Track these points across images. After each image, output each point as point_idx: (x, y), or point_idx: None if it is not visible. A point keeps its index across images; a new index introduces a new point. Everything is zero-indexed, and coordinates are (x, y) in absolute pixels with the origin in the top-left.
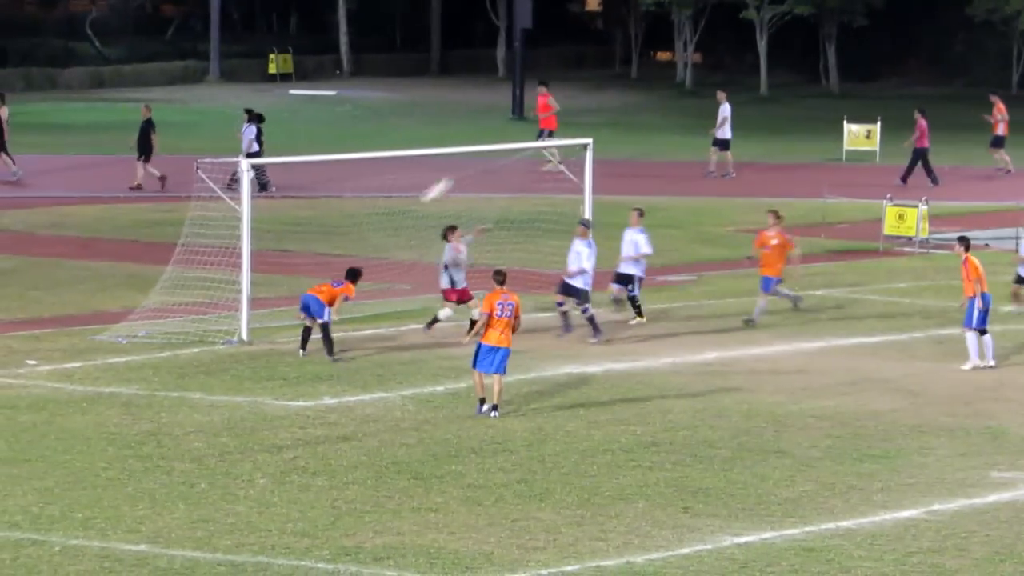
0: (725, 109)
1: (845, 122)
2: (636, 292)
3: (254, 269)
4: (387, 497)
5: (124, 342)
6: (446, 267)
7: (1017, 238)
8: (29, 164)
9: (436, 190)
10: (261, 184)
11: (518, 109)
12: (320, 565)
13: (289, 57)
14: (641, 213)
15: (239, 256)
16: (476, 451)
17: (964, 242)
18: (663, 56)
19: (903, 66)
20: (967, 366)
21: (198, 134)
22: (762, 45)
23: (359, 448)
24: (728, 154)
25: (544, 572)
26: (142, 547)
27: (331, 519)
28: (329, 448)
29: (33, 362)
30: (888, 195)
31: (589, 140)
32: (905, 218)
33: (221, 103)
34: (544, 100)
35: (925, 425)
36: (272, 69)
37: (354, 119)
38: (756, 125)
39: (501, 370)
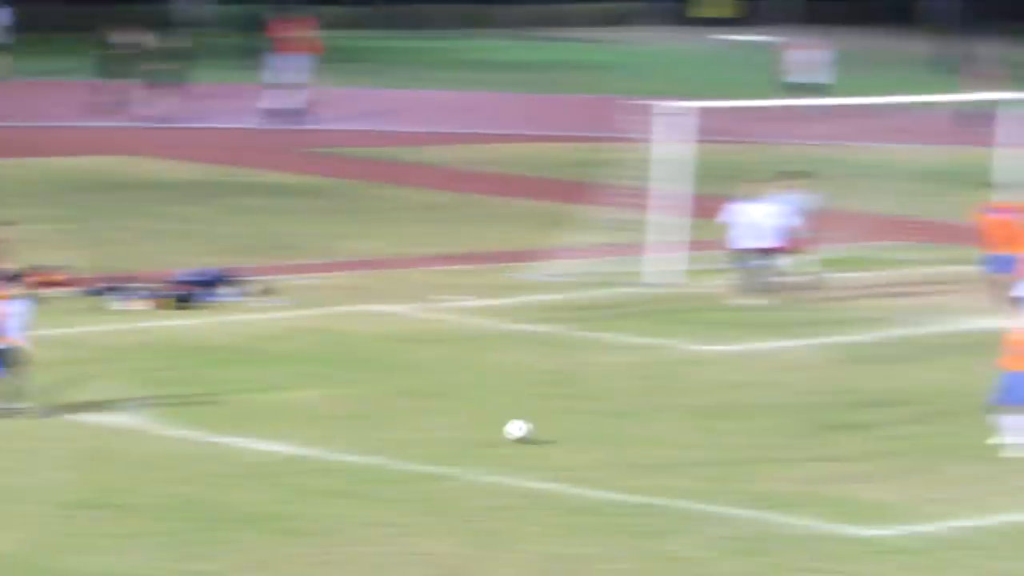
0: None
1: None
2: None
3: (689, 213)
4: (797, 444)
5: (544, 280)
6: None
7: None
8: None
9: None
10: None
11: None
12: (730, 510)
13: None
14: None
15: (671, 199)
16: (890, 402)
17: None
18: None
19: None
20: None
21: (625, 75)
22: None
23: (775, 394)
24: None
25: (952, 524)
26: (553, 485)
27: (740, 464)
28: (743, 393)
29: (452, 297)
30: None
31: None
32: None
33: (647, 46)
34: None
35: None
36: (699, 12)
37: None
38: None
39: None
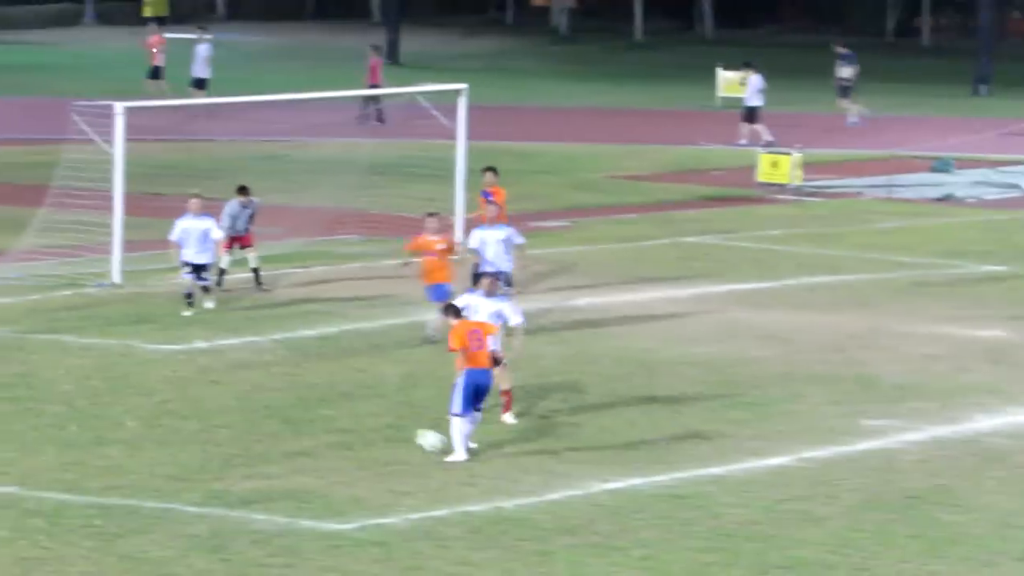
0: (205, 49)
1: (719, 69)
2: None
3: (127, 212)
4: (257, 441)
5: None
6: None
7: (889, 185)
8: None
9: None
10: None
11: (393, 54)
12: (189, 508)
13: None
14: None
15: (112, 199)
16: (347, 396)
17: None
18: (539, 1)
19: (778, 13)
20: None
21: (73, 77)
22: None
23: (230, 392)
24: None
25: (413, 517)
26: (12, 489)
27: (201, 463)
28: (200, 392)
29: None
30: (762, 142)
31: (464, 85)
32: (778, 165)
33: (97, 46)
34: None
35: (796, 372)
36: (147, 12)
37: (229, 63)
38: (631, 71)
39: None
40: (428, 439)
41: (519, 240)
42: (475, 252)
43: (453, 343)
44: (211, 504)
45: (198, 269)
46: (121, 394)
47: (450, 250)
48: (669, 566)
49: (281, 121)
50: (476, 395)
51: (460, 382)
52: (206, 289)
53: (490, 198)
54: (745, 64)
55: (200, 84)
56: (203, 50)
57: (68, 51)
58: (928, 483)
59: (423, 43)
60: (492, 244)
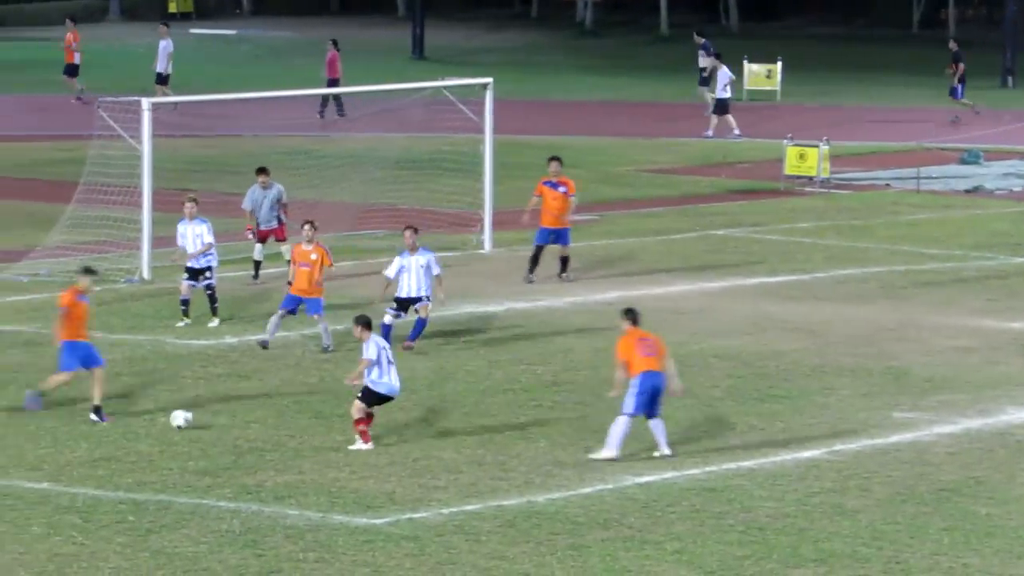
0: (168, 45)
1: (745, 62)
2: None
3: (155, 208)
4: (288, 436)
5: (25, 280)
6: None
7: (917, 177)
8: None
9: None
10: None
11: (418, 48)
12: (222, 503)
13: None
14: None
15: (140, 195)
16: None
17: (631, 316)
18: None
19: (804, 5)
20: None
21: (99, 73)
22: None
23: (261, 387)
24: (167, 88)
25: (445, 511)
26: (44, 485)
27: (233, 458)
28: (231, 387)
29: None
30: (789, 135)
31: (489, 79)
32: (806, 158)
33: (122, 42)
34: None
35: (827, 365)
36: (172, 8)
37: (255, 58)
38: (656, 64)
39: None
40: (178, 418)
41: (437, 271)
42: (391, 280)
43: (620, 355)
44: (244, 499)
45: (197, 273)
46: (152, 390)
47: (323, 261)
48: (702, 559)
49: (308, 116)
50: (652, 398)
51: (635, 384)
52: (212, 298)
53: (559, 188)
54: (716, 56)
55: (162, 80)
56: (165, 46)
57: (94, 47)
58: (961, 475)
59: (448, 37)
60: (413, 270)
